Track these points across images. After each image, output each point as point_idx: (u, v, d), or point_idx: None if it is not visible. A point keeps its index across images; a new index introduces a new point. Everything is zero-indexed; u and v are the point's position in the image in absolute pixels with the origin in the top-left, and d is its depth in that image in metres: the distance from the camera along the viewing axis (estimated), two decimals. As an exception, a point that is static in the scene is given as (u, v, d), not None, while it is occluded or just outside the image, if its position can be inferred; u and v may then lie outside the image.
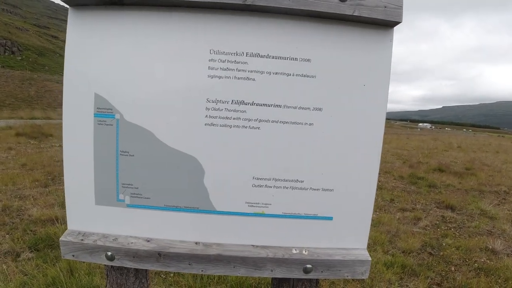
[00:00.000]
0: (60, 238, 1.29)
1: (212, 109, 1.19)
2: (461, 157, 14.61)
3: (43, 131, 13.40)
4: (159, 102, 1.19)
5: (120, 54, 1.18)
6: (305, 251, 1.29)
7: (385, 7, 1.15)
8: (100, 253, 1.27)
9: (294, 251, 1.28)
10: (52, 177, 6.60)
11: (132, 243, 1.26)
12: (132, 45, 1.18)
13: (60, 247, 1.29)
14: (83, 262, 3.19)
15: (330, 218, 1.29)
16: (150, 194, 1.25)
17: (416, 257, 4.00)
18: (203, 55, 1.17)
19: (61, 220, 4.15)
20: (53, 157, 8.61)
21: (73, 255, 1.29)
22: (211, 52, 1.17)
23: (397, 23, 1.18)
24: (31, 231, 4.03)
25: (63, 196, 5.26)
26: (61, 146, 10.65)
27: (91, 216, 1.29)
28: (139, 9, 1.17)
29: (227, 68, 1.17)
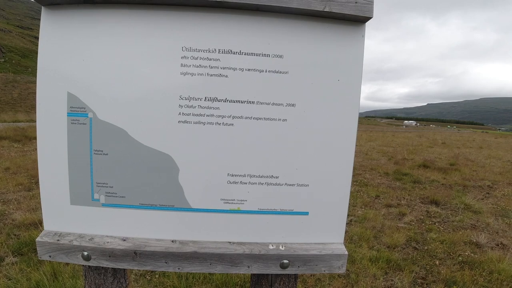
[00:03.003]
0: (37, 239, 1.28)
1: (186, 106, 1.19)
2: (445, 153, 14.85)
3: (26, 134, 13.17)
4: (132, 100, 1.19)
5: (93, 52, 1.18)
6: (282, 247, 1.29)
7: (356, 2, 1.17)
8: (76, 253, 1.26)
9: (270, 247, 1.29)
10: (36, 181, 6.50)
11: (108, 242, 1.26)
12: (104, 43, 1.17)
13: (37, 247, 1.28)
14: (67, 266, 3.16)
15: (306, 213, 1.30)
16: (125, 193, 1.25)
17: (401, 252, 4.06)
18: (175, 52, 1.17)
19: (45, 224, 4.10)
20: (37, 161, 8.48)
21: (49, 256, 1.28)
22: (184, 49, 1.17)
23: (368, 18, 1.19)
24: (15, 235, 3.98)
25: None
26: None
27: (66, 216, 1.28)
28: (111, 7, 1.17)
29: (200, 65, 1.17)
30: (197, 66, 1.17)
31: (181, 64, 1.17)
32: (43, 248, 1.27)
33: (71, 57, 1.18)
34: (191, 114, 1.19)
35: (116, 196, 1.25)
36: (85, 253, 1.25)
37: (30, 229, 4.09)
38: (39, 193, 4.11)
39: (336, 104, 1.24)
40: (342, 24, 1.21)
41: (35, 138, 12.54)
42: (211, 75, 1.18)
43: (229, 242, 1.29)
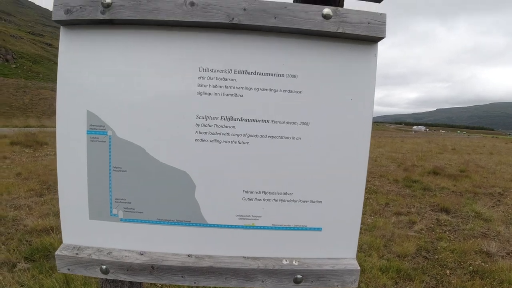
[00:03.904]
0: (56, 253, 1.31)
1: (202, 125, 1.22)
2: (455, 159, 14.73)
3: (38, 139, 13.34)
4: (150, 119, 1.22)
5: (111, 72, 1.21)
6: (295, 262, 1.31)
7: (369, 23, 1.19)
8: (95, 266, 1.29)
9: (284, 262, 1.31)
10: (47, 186, 6.58)
11: (126, 256, 1.29)
12: (123, 63, 1.21)
13: (56, 261, 1.31)
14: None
15: (319, 229, 1.32)
16: (143, 209, 1.28)
17: (411, 261, 4.03)
18: (192, 72, 1.20)
19: (56, 230, 4.14)
20: (48, 166, 8.58)
21: (68, 269, 1.31)
22: (200, 69, 1.20)
23: (380, 38, 1.22)
24: (27, 241, 4.02)
25: (58, 207, 5.27)
26: (56, 154, 10.66)
27: (85, 230, 1.32)
28: (129, 28, 1.20)
29: (216, 85, 1.21)
30: (214, 86, 1.21)
31: (198, 84, 1.21)
32: (62, 261, 1.31)
33: (90, 76, 1.22)
34: (207, 133, 1.23)
35: (134, 212, 1.28)
36: (104, 266, 1.28)
37: (42, 235, 4.13)
38: (50, 199, 4.17)
39: (349, 123, 1.26)
40: (354, 43, 1.24)
41: (46, 143, 12.75)
42: (227, 95, 1.21)
43: (244, 257, 1.31)
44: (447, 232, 5.08)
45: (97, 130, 1.24)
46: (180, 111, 1.22)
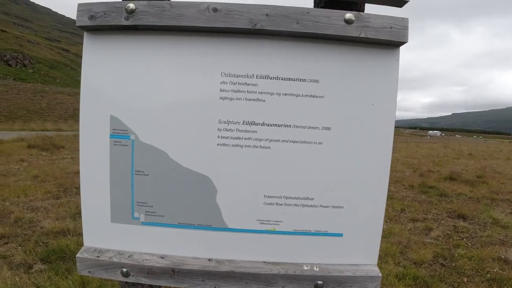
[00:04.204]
0: (77, 255, 1.33)
1: (224, 129, 1.23)
2: (472, 164, 14.46)
3: (54, 143, 13.59)
4: (172, 123, 1.23)
5: (135, 76, 1.23)
6: (316, 268, 1.30)
7: (391, 28, 1.18)
8: (115, 269, 1.30)
9: (305, 268, 1.30)
10: (64, 189, 6.68)
11: (146, 259, 1.30)
12: (146, 68, 1.23)
13: (77, 263, 1.33)
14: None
15: (341, 235, 1.31)
16: (164, 212, 1.29)
17: (428, 268, 3.96)
18: (214, 77, 1.21)
19: (73, 232, 4.19)
20: (65, 169, 8.73)
21: (89, 271, 1.32)
22: (223, 74, 1.21)
23: (402, 43, 1.21)
24: (43, 243, 4.07)
25: (75, 208, 5.31)
26: (72, 158, 10.83)
27: (106, 233, 1.33)
28: (152, 34, 1.22)
29: (238, 90, 1.21)
30: (236, 91, 1.21)
31: (220, 89, 1.21)
32: (83, 263, 1.32)
33: (113, 81, 1.24)
34: (229, 137, 1.23)
35: (156, 215, 1.29)
36: (124, 269, 1.29)
37: (58, 237, 4.17)
38: (67, 202, 4.23)
39: (371, 128, 1.25)
40: (376, 48, 1.23)
41: (62, 147, 12.96)
42: (249, 100, 1.21)
43: (264, 262, 1.31)
44: (464, 239, 4.98)
45: (120, 134, 1.25)
46: (203, 116, 1.23)
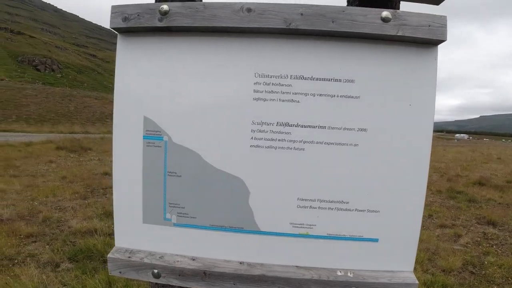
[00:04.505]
0: (108, 255, 1.33)
1: (258, 131, 1.21)
2: (501, 169, 13.94)
3: (82, 145, 13.97)
4: (205, 125, 1.23)
5: (168, 78, 1.23)
6: (350, 273, 1.26)
7: (429, 26, 1.14)
8: (146, 270, 1.30)
9: (339, 273, 1.26)
10: (91, 190, 6.84)
11: (178, 261, 1.29)
12: (179, 69, 1.22)
13: (108, 263, 1.34)
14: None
15: (376, 240, 1.26)
16: (196, 214, 1.28)
17: (457, 276, 3.84)
18: (248, 78, 1.20)
19: (100, 232, 4.26)
20: (92, 170, 8.94)
21: (120, 272, 1.33)
22: (256, 75, 1.19)
23: (441, 41, 1.16)
24: (71, 242, 4.16)
25: (102, 209, 5.42)
26: (99, 159, 11.09)
27: (138, 234, 1.33)
28: (185, 35, 1.22)
29: (272, 90, 1.19)
30: (269, 92, 1.19)
31: (254, 90, 1.20)
32: (114, 264, 1.33)
33: (147, 82, 1.25)
34: (263, 139, 1.21)
35: (188, 217, 1.28)
36: (155, 270, 1.29)
37: (85, 237, 4.26)
38: (94, 202, 4.31)
39: (409, 129, 1.21)
40: (413, 47, 1.19)
41: (90, 149, 13.29)
42: (283, 101, 1.19)
43: (297, 267, 1.28)
44: (494, 246, 4.80)
45: (153, 135, 1.25)
46: (236, 117, 1.21)
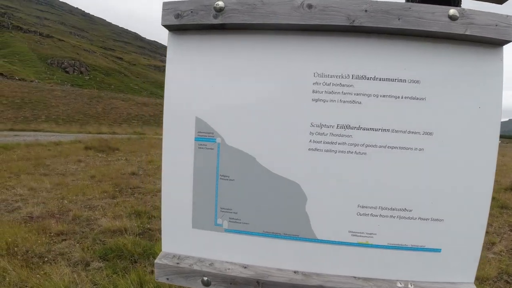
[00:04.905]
0: (155, 261, 1.30)
1: (316, 133, 1.15)
2: (534, 174, 13.38)
3: (110, 145, 14.22)
4: (261, 127, 1.18)
5: (221, 78, 1.19)
6: (411, 285, 1.19)
7: (496, 25, 1.07)
8: (196, 278, 1.25)
9: (399, 285, 1.19)
10: (120, 189, 6.92)
11: (229, 269, 1.24)
12: (233, 69, 1.18)
13: (155, 269, 1.30)
14: (152, 275, 3.23)
15: (439, 250, 1.19)
16: (249, 220, 1.23)
17: (492, 285, 3.67)
18: (307, 78, 1.14)
19: (130, 232, 4.28)
20: (120, 170, 9.06)
21: (167, 278, 1.29)
22: (315, 75, 1.14)
23: (507, 41, 1.09)
24: (101, 241, 4.18)
25: (131, 208, 5.43)
26: (127, 159, 11.26)
27: (187, 239, 1.29)
28: (240, 33, 1.18)
29: (332, 91, 1.13)
30: (329, 92, 1.13)
31: (313, 90, 1.14)
32: (162, 270, 1.29)
33: (199, 83, 1.21)
34: (322, 142, 1.15)
35: (240, 223, 1.24)
36: (205, 278, 1.24)
37: (115, 236, 4.27)
38: (123, 201, 4.32)
39: (477, 133, 1.13)
40: (480, 47, 1.11)
41: (117, 149, 13.51)
42: (343, 102, 1.13)
43: (355, 277, 1.21)
44: (529, 256, 4.58)
45: (205, 137, 1.21)
46: (294, 119, 1.16)
